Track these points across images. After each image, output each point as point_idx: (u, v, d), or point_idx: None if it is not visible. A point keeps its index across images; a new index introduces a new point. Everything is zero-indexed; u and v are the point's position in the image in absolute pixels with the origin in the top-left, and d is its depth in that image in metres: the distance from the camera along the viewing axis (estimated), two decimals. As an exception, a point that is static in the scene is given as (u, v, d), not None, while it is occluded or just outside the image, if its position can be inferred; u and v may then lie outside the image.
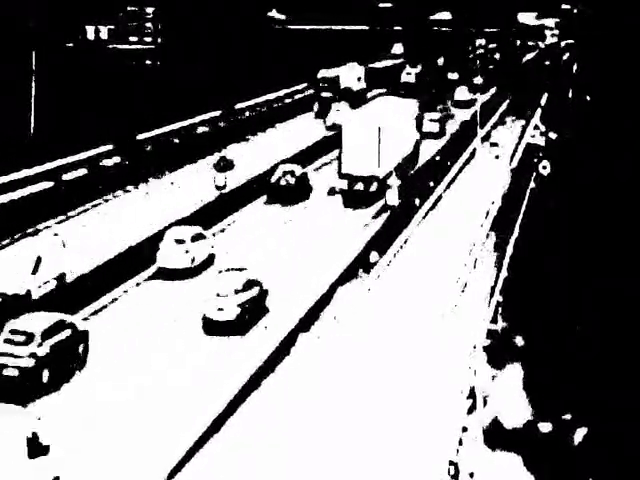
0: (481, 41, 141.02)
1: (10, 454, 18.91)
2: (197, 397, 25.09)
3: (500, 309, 31.73)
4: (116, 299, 32.94)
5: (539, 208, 45.73)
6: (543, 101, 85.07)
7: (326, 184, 50.05)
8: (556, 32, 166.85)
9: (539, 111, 79.18)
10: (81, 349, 27.20)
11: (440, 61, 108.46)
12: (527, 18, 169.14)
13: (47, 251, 32.19)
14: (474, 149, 62.35)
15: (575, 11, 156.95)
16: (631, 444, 23.05)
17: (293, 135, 66.24)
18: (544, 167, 53.16)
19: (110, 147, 53.55)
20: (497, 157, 60.91)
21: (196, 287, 33.66)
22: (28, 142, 56.00)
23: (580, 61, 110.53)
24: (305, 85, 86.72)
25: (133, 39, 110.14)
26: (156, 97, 68.65)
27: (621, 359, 27.80)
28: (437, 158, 58.96)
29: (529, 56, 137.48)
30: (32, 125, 58.74)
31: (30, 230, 40.09)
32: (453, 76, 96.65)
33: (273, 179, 47.63)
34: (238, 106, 72.58)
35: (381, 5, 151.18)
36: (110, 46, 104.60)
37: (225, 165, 48.32)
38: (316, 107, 76.33)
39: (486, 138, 66.60)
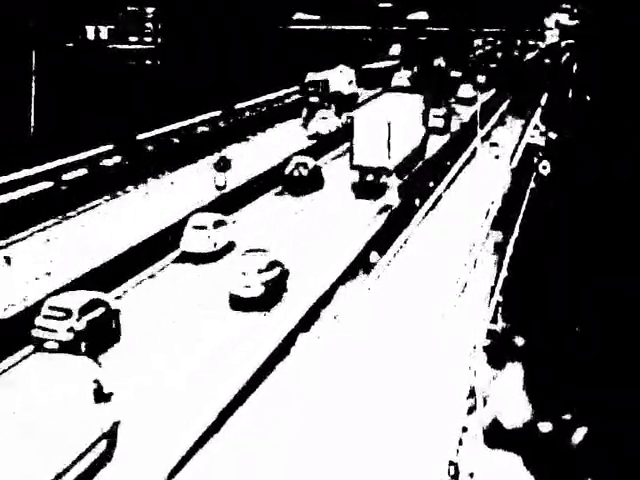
0: (478, 41, 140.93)
1: (79, 398, 21.26)
2: (226, 365, 27.17)
3: (500, 309, 31.73)
4: (144, 280, 35.03)
5: (539, 208, 45.72)
6: (543, 101, 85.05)
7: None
8: (556, 32, 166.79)
9: (539, 111, 79.16)
10: (114, 325, 28.91)
11: (437, 61, 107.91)
12: (562, 19, 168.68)
13: None
14: (474, 149, 62.36)
15: (575, 11, 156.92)
16: (631, 444, 23.05)
17: (275, 143, 61.84)
18: (544, 167, 53.15)
19: (110, 147, 53.53)
20: (497, 157, 60.91)
21: (218, 270, 35.79)
22: (28, 142, 55.99)
23: (580, 61, 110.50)
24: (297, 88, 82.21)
25: (133, 39, 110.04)
26: (156, 97, 68.62)
27: (621, 359, 27.80)
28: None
29: (529, 56, 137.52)
30: (32, 125, 58.73)
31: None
32: (456, 74, 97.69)
33: (287, 171, 49.66)
34: (238, 106, 72.57)
35: (381, 5, 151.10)
36: (110, 46, 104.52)
37: (225, 165, 48.39)
38: (304, 113, 71.56)
39: (486, 138, 66.61)
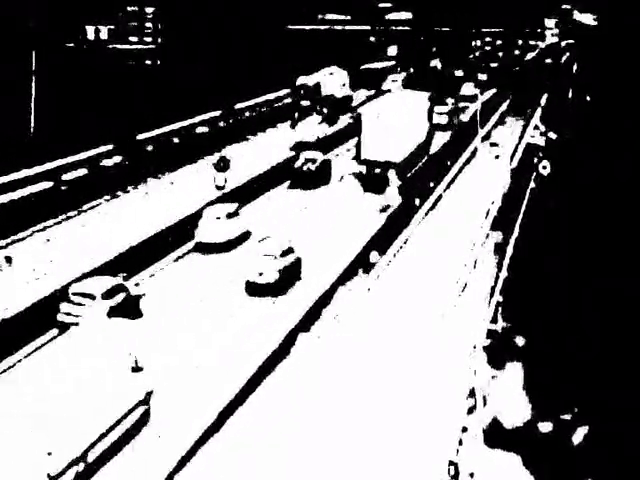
0: (477, 42, 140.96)
1: (119, 368, 23.18)
2: (248, 345, 28.68)
3: (500, 309, 31.73)
4: (162, 268, 36.46)
5: (539, 208, 45.72)
6: (543, 101, 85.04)
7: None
8: (556, 32, 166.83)
9: (539, 111, 79.16)
10: (134, 310, 30.30)
11: (434, 62, 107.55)
12: (586, 19, 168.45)
13: None
14: (475, 148, 62.36)
15: (575, 11, 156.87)
16: (631, 444, 23.05)
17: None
18: (544, 167, 53.15)
19: (110, 147, 53.52)
20: (497, 157, 60.92)
21: (233, 259, 37.21)
22: (28, 142, 55.98)
23: (580, 61, 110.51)
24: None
25: (133, 39, 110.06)
26: (156, 97, 68.60)
27: (621, 359, 27.80)
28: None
29: (529, 56, 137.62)
30: (32, 125, 58.72)
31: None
32: (459, 73, 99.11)
33: (296, 165, 51.23)
34: (238, 106, 72.55)
35: (381, 5, 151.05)
36: (110, 46, 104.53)
37: (225, 165, 48.41)
38: (295, 116, 69.59)
39: (486, 138, 66.61)
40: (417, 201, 47.42)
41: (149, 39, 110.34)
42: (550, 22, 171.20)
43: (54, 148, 50.47)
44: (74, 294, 29.07)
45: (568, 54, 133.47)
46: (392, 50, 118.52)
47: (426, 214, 46.37)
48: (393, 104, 55.41)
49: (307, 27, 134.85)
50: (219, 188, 47.76)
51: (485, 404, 25.07)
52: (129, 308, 29.98)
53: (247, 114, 73.21)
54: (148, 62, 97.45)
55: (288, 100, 78.88)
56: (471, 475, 21.58)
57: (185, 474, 21.91)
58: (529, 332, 29.89)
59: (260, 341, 28.51)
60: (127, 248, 36.08)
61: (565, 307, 31.68)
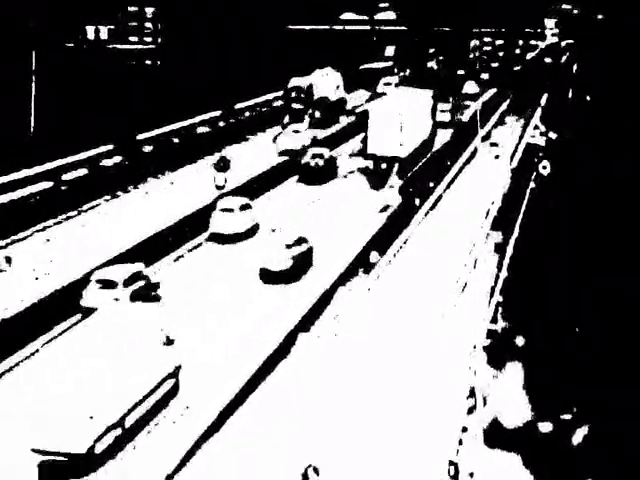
0: (475, 42, 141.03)
1: (151, 341, 24.52)
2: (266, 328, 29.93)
3: (500, 309, 31.74)
4: (179, 257, 38.04)
5: (539, 208, 45.73)
6: (543, 101, 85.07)
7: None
8: (556, 32, 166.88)
9: (539, 111, 79.17)
10: (153, 296, 31.58)
11: (430, 64, 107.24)
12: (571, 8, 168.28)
13: None
14: (475, 148, 62.37)
15: (575, 11, 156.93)
16: (631, 444, 23.06)
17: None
18: (544, 167, 53.18)
19: (110, 147, 53.52)
20: (497, 157, 60.93)
21: (245, 248, 38.90)
22: (28, 142, 55.99)
23: (580, 61, 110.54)
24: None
25: (133, 39, 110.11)
26: (156, 97, 68.62)
27: (621, 359, 27.81)
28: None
29: (530, 55, 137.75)
30: (32, 125, 58.73)
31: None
32: (460, 72, 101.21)
33: (303, 161, 52.43)
34: (238, 106, 72.53)
35: (381, 5, 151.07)
36: (110, 46, 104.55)
37: (225, 165, 48.43)
38: (286, 120, 67.20)
39: (486, 138, 66.62)
40: (417, 201, 47.43)
41: (149, 39, 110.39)
42: (550, 22, 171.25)
43: (54, 148, 50.47)
44: (97, 281, 30.42)
45: (568, 54, 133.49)
46: (389, 51, 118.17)
47: (426, 214, 46.38)
48: (398, 101, 56.62)
49: (307, 27, 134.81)
50: (219, 188, 47.77)
51: (485, 404, 25.07)
52: (149, 294, 31.36)
53: (247, 114, 73.20)
54: (148, 62, 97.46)
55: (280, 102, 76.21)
56: (471, 475, 21.58)
57: (185, 473, 21.94)
58: (529, 332, 29.90)
59: (276, 326, 29.57)
60: (143, 239, 37.36)
61: (565, 307, 31.69)
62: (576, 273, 34.77)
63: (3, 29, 66.72)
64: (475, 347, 28.78)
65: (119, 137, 54.89)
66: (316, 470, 21.50)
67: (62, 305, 30.36)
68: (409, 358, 28.44)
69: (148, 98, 67.70)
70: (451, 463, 21.80)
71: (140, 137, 57.25)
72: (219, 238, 39.92)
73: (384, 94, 76.67)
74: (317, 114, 68.14)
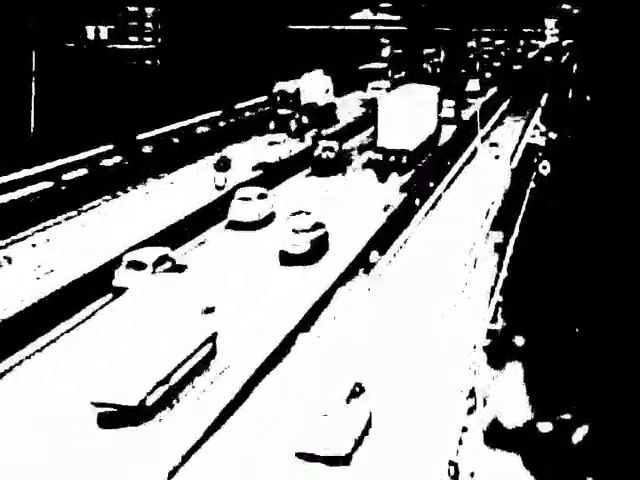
0: (472, 43, 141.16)
1: (193, 309, 27.03)
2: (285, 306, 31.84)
3: (500, 309, 31.73)
4: (201, 242, 40.12)
5: (539, 208, 45.72)
6: (543, 101, 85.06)
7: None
8: (556, 32, 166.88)
9: (539, 111, 79.16)
10: None
11: (425, 65, 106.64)
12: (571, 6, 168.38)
13: None
14: (475, 148, 62.38)
15: (575, 11, 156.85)
16: (631, 444, 23.06)
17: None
18: (544, 167, 53.18)
19: (110, 147, 53.53)
20: (497, 157, 60.93)
21: (263, 235, 41.19)
22: (28, 142, 56.00)
23: (580, 61, 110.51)
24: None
25: (133, 39, 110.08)
26: (156, 97, 68.62)
27: (621, 359, 27.81)
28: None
29: (530, 55, 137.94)
30: (32, 125, 58.75)
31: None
32: (463, 70, 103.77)
33: (315, 154, 54.45)
34: (238, 106, 72.50)
35: (382, 5, 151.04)
36: (110, 46, 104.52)
37: (225, 165, 48.43)
38: (272, 126, 64.71)
39: (486, 138, 66.64)
40: (417, 201, 47.44)
41: (149, 39, 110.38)
42: (550, 22, 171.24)
43: (54, 148, 50.49)
44: (128, 262, 32.32)
45: (568, 54, 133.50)
46: (385, 52, 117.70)
47: (426, 214, 46.39)
48: (406, 96, 58.85)
49: (307, 27, 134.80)
50: (219, 188, 47.77)
51: (485, 404, 25.07)
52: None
53: (247, 114, 73.19)
54: (148, 62, 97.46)
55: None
56: (471, 475, 21.59)
57: (185, 473, 21.95)
58: (529, 332, 29.90)
59: (296, 304, 31.44)
60: (167, 226, 39.36)
61: (565, 307, 31.69)
62: (576, 273, 34.76)
63: (3, 29, 66.73)
64: (475, 347, 28.78)
65: (119, 137, 54.91)
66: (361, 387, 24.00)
67: (95, 285, 32.46)
68: (409, 358, 28.44)
69: (148, 98, 67.71)
70: (451, 463, 21.80)
71: (140, 137, 57.27)
72: (237, 225, 41.95)
73: (374, 99, 76.29)
74: (305, 120, 65.84)
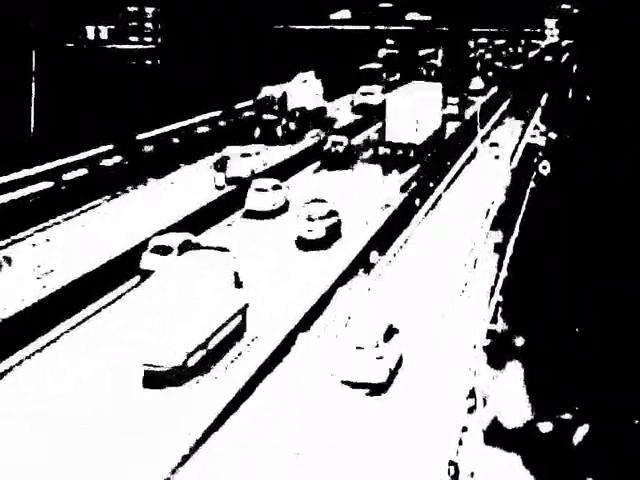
0: (472, 43, 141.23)
1: (226, 281, 29.02)
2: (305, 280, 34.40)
3: (500, 309, 31.72)
4: (221, 230, 41.96)
5: (539, 208, 45.72)
6: (543, 101, 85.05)
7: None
8: (556, 32, 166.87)
9: (539, 111, 79.15)
10: None
11: (420, 67, 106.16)
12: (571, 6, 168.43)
13: None
14: (475, 148, 62.38)
15: (575, 11, 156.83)
16: (631, 444, 23.06)
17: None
18: (544, 167, 53.20)
19: (110, 147, 53.52)
20: (497, 157, 60.93)
21: (279, 223, 43.33)
22: (28, 142, 56.00)
23: (580, 61, 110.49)
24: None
25: (133, 39, 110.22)
26: (156, 97, 68.64)
27: (621, 359, 27.81)
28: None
29: (531, 54, 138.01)
30: (32, 125, 58.76)
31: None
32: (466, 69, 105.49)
33: (325, 148, 56.75)
34: (238, 106, 72.48)
35: (381, 5, 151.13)
36: (110, 46, 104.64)
37: (225, 165, 48.41)
38: (257, 133, 61.94)
39: (486, 138, 66.63)
40: (417, 201, 47.44)
41: (149, 39, 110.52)
42: (550, 22, 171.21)
43: (54, 148, 50.48)
44: (154, 247, 34.23)
45: (568, 54, 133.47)
46: (382, 53, 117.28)
47: (426, 214, 46.39)
48: (414, 92, 60.98)
49: (307, 27, 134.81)
50: (219, 188, 47.75)
51: (485, 404, 25.07)
52: None
53: (247, 114, 73.15)
54: (148, 62, 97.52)
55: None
56: (471, 475, 21.59)
57: (185, 472, 21.96)
58: (529, 332, 29.89)
59: (315, 285, 33.13)
60: (188, 214, 41.38)
61: (565, 307, 31.68)
62: (576, 273, 34.76)
63: (3, 29, 66.73)
64: (475, 347, 28.78)
65: (119, 137, 54.90)
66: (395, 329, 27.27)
67: (124, 268, 34.40)
68: (409, 358, 28.44)
69: (148, 98, 67.72)
70: (451, 463, 21.80)
71: (140, 137, 57.25)
72: (254, 214, 44.16)
73: (364, 104, 74.96)
74: (292, 126, 63.80)
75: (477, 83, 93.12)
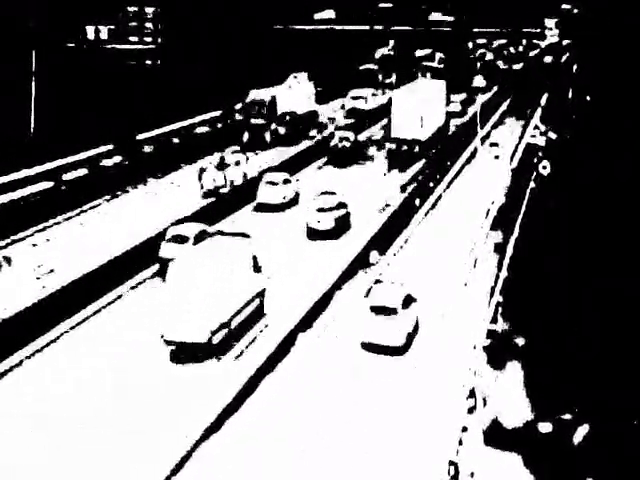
0: (469, 44, 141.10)
1: (245, 266, 30.69)
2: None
3: (500, 309, 31.72)
4: (233, 221, 43.55)
5: (539, 208, 45.70)
6: (543, 101, 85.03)
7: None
8: (556, 32, 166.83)
9: (539, 111, 79.13)
10: None
11: (415, 69, 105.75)
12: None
13: None
14: (475, 148, 62.37)
15: (575, 11, 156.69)
16: (631, 444, 23.05)
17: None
18: (544, 167, 53.17)
19: (110, 147, 53.52)
20: (497, 157, 60.92)
21: (289, 215, 45.12)
22: (28, 142, 56.01)
23: (580, 61, 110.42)
24: None
25: (133, 39, 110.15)
26: (156, 97, 68.63)
27: (621, 359, 27.79)
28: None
29: (531, 54, 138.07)
30: (32, 125, 58.76)
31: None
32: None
33: (332, 144, 58.02)
34: (238, 106, 72.39)
35: (381, 5, 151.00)
36: (110, 46, 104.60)
37: (225, 165, 48.38)
38: (246, 137, 59.94)
39: (486, 138, 66.62)
40: (417, 201, 47.45)
41: (149, 39, 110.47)
42: (550, 22, 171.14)
43: (54, 148, 50.49)
44: (172, 236, 35.84)
45: (568, 54, 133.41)
46: (378, 53, 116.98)
47: (426, 214, 46.38)
48: (419, 89, 62.68)
49: (307, 27, 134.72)
50: (219, 188, 47.65)
51: (485, 404, 25.07)
52: None
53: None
54: (148, 62, 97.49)
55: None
56: (471, 475, 21.59)
57: (187, 470, 21.97)
58: (529, 332, 29.88)
59: (326, 273, 34.63)
60: (202, 206, 43.38)
61: (565, 307, 31.65)
62: (576, 273, 34.73)
63: (3, 29, 66.72)
64: (475, 347, 28.78)
65: (119, 137, 54.90)
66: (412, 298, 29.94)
67: (145, 256, 36.10)
68: (409, 357, 28.44)
69: (148, 98, 67.71)
70: (451, 463, 21.81)
71: (140, 137, 57.25)
72: (265, 207, 45.74)
73: (356, 109, 73.43)
74: (281, 130, 61.75)
75: (479, 81, 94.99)
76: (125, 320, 31.22)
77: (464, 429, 23.48)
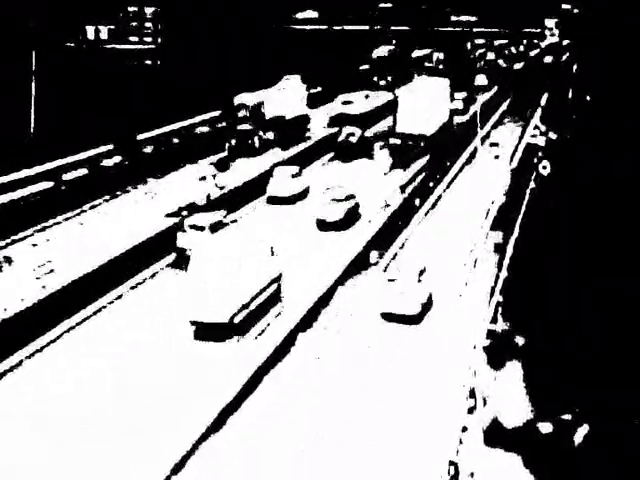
0: (467, 45, 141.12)
1: (263, 252, 31.87)
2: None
3: (500, 309, 31.72)
4: (245, 214, 44.94)
5: (539, 208, 45.69)
6: (543, 101, 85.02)
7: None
8: (556, 32, 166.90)
9: (539, 111, 79.12)
10: None
11: (411, 70, 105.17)
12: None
13: None
14: (475, 148, 62.37)
15: (575, 11, 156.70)
16: (631, 444, 23.05)
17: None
18: (544, 167, 53.15)
19: (110, 147, 53.50)
20: (497, 157, 60.91)
21: (299, 208, 46.61)
22: (28, 142, 55.99)
23: (580, 61, 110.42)
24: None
25: (133, 39, 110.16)
26: (156, 97, 68.61)
27: (621, 359, 27.79)
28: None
29: (532, 54, 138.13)
30: (32, 125, 58.74)
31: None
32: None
33: (339, 139, 59.53)
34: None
35: (381, 5, 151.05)
36: (110, 46, 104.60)
37: (225, 165, 48.44)
38: (233, 143, 57.97)
39: (486, 138, 66.60)
40: (417, 201, 47.44)
41: (149, 39, 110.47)
42: (550, 22, 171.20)
43: (54, 148, 50.47)
44: (189, 226, 36.98)
45: (568, 54, 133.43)
46: (375, 54, 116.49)
47: (426, 214, 46.38)
48: (425, 85, 64.45)
49: (307, 27, 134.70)
50: (220, 188, 47.64)
51: (485, 404, 25.07)
52: None
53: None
54: (148, 62, 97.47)
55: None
56: (471, 475, 21.59)
57: (186, 473, 21.97)
58: (529, 332, 29.87)
59: (337, 260, 36.14)
60: (215, 197, 44.95)
61: (565, 307, 31.65)
62: (576, 273, 34.73)
63: (3, 29, 66.71)
64: (475, 347, 28.77)
65: (119, 137, 54.88)
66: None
67: (164, 245, 37.27)
68: (409, 357, 28.43)
69: (148, 98, 67.68)
70: (451, 463, 21.81)
71: (140, 137, 57.23)
72: (276, 200, 47.26)
73: (343, 114, 69.36)
74: (270, 136, 59.77)
75: (481, 80, 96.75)
76: (125, 320, 31.23)
77: (464, 429, 23.48)
